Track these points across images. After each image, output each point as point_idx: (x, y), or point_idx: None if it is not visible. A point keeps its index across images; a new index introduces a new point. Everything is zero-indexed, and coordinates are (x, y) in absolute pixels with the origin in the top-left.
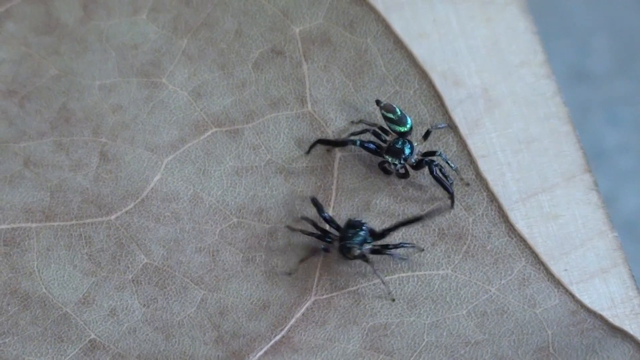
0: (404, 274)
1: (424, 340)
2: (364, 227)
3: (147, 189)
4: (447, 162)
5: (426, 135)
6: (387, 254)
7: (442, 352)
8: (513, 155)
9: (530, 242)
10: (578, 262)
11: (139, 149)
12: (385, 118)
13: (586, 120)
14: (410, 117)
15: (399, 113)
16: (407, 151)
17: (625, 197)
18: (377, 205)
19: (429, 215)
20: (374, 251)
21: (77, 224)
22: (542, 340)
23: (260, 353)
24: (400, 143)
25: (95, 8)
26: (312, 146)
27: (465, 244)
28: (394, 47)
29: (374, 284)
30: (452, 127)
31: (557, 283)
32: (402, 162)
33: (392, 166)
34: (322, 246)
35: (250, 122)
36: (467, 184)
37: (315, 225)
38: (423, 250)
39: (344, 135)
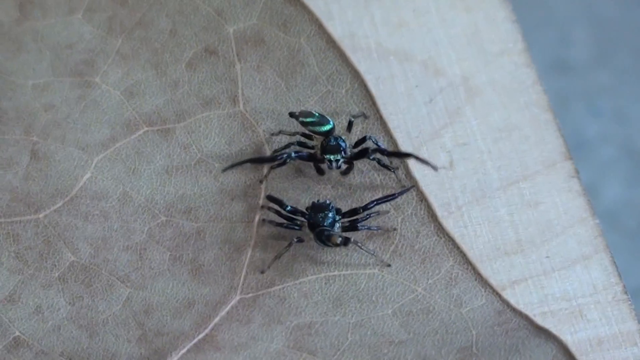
0: (330, 273)
1: (347, 339)
2: (330, 208)
3: (77, 187)
4: (377, 144)
5: (349, 126)
6: (361, 229)
7: (366, 352)
8: (494, 143)
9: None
10: (559, 249)
11: (69, 147)
12: (306, 123)
13: (567, 111)
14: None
15: (317, 115)
16: (343, 144)
17: (606, 188)
18: (306, 205)
19: (400, 193)
20: (346, 228)
21: (5, 222)
22: (466, 340)
23: (183, 351)
24: (333, 140)
25: (31, 8)
26: (238, 164)
27: (393, 243)
28: (327, 46)
29: (299, 283)
30: (384, 124)
31: (485, 283)
32: (342, 157)
33: (334, 163)
34: (296, 238)
35: (181, 122)
36: (397, 168)
37: (280, 214)
38: (388, 212)
39: (270, 153)
